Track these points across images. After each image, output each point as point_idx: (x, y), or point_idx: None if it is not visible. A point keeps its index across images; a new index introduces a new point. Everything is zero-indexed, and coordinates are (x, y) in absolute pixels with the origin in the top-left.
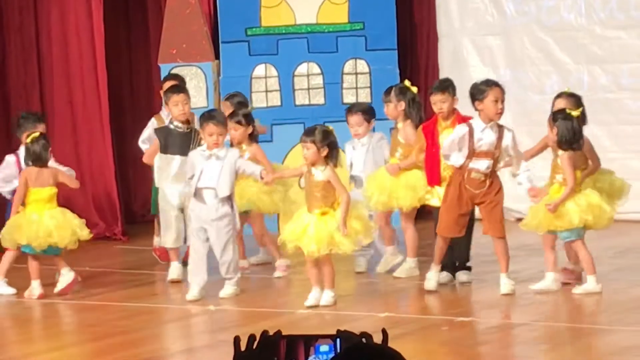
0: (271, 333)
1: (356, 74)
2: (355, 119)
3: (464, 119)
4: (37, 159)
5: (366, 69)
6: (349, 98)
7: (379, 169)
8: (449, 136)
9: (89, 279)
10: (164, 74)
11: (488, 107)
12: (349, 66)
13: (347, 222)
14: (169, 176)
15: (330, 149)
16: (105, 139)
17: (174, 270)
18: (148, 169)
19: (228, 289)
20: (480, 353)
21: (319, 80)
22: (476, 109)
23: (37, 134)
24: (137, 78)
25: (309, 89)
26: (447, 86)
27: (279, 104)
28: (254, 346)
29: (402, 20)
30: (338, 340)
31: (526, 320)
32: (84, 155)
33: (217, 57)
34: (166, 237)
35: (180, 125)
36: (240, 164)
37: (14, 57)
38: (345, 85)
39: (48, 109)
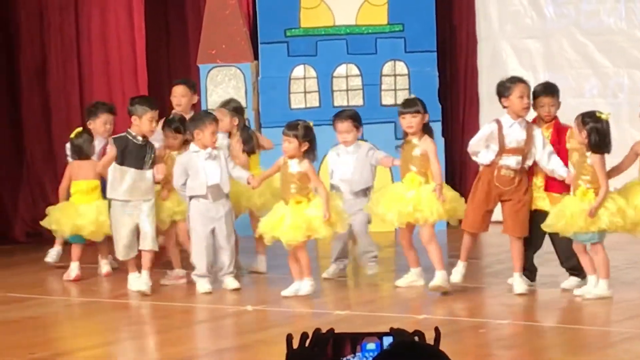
0: (324, 331)
1: (395, 75)
2: (345, 125)
3: (564, 129)
4: (80, 153)
5: (405, 71)
6: (387, 100)
7: (395, 186)
8: (477, 133)
9: (124, 277)
10: (202, 74)
11: (514, 103)
12: (387, 68)
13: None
14: (121, 189)
15: (311, 145)
16: None
17: (136, 280)
18: None
19: (234, 282)
20: (517, 356)
21: (357, 82)
22: (503, 106)
23: (80, 129)
24: (176, 78)
25: (347, 90)
26: (555, 89)
27: (317, 105)
28: (307, 344)
29: (441, 22)
30: (384, 338)
31: (562, 323)
32: None
33: (256, 57)
34: (118, 250)
35: (139, 137)
36: (230, 166)
37: (55, 56)
38: (384, 87)
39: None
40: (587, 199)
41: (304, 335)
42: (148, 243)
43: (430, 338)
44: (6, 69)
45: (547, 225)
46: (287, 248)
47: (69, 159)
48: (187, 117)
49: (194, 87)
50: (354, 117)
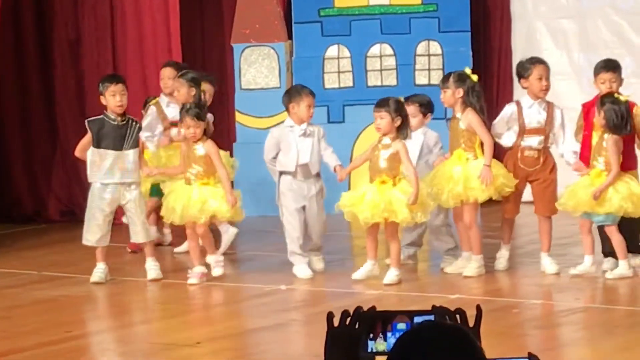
0: (365, 309)
1: (429, 55)
2: (411, 109)
3: (631, 105)
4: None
5: (439, 51)
6: (421, 80)
7: (443, 164)
8: (498, 116)
9: (161, 258)
10: (236, 54)
11: (533, 84)
12: (421, 48)
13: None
14: (101, 172)
15: (403, 120)
16: None
17: (98, 272)
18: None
19: (319, 262)
20: (550, 335)
21: (391, 62)
22: (523, 87)
23: (157, 100)
24: (210, 58)
25: (381, 70)
26: (617, 65)
27: (351, 85)
28: (348, 322)
29: (475, 2)
30: (415, 318)
31: (597, 303)
32: None
33: (289, 37)
34: (89, 234)
35: (114, 117)
36: (323, 145)
37: (88, 36)
38: (417, 66)
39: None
40: (600, 180)
41: (345, 313)
42: (141, 236)
43: (472, 315)
44: (40, 48)
45: (560, 204)
46: (363, 225)
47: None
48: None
49: (182, 68)
50: (423, 103)
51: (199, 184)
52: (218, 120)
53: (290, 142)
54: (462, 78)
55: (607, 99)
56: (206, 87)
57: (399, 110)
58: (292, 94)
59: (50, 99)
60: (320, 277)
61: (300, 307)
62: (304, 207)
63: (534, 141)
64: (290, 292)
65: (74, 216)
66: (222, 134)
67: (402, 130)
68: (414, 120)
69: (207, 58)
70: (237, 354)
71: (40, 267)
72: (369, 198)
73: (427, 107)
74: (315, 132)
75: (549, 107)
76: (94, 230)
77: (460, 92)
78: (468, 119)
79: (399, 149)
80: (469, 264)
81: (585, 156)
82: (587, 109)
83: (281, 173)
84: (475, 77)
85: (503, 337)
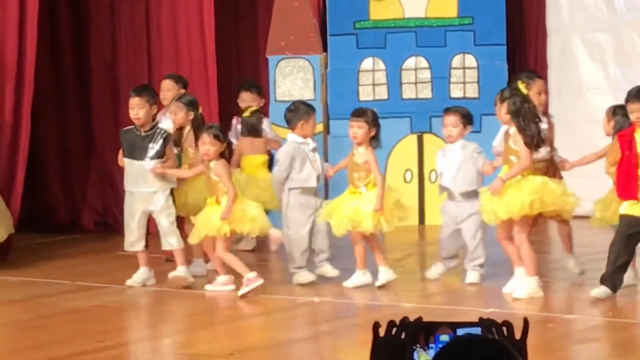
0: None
1: (464, 68)
2: (452, 119)
3: None
4: (252, 130)
5: (474, 64)
6: (456, 92)
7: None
8: (497, 134)
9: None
10: (271, 66)
11: (533, 99)
12: (457, 61)
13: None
14: (128, 180)
15: (377, 131)
16: None
17: (135, 276)
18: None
19: (333, 269)
20: (585, 350)
21: (426, 74)
22: None
23: (254, 108)
24: (245, 69)
25: (416, 82)
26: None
27: (385, 97)
28: (394, 332)
29: (511, 15)
30: (458, 330)
31: (632, 319)
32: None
33: (325, 49)
34: (125, 241)
35: (140, 129)
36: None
37: (124, 45)
38: (452, 79)
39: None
40: None
41: (391, 323)
42: (168, 243)
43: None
44: (77, 58)
45: (596, 220)
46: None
47: (232, 139)
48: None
49: (183, 82)
50: (463, 113)
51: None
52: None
53: (305, 158)
54: (510, 93)
55: (620, 110)
56: (247, 96)
57: (376, 122)
58: (300, 111)
59: (87, 109)
60: (352, 290)
61: (333, 320)
62: (312, 221)
63: (543, 152)
64: (323, 305)
65: (108, 226)
66: None
67: (376, 140)
68: (454, 131)
69: (242, 69)
70: None
71: (74, 277)
72: (340, 210)
73: (467, 119)
74: (316, 147)
75: (547, 117)
76: (127, 236)
77: (505, 108)
78: (516, 138)
79: (369, 157)
80: (521, 284)
81: (633, 185)
82: (628, 139)
83: (290, 189)
84: (525, 90)
85: (538, 351)
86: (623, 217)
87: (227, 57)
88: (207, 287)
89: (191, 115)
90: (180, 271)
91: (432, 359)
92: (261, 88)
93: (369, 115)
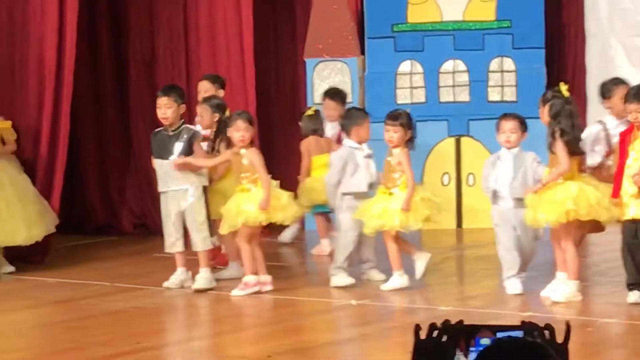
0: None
1: (502, 72)
2: (511, 124)
3: None
4: (316, 130)
5: (512, 67)
6: (494, 96)
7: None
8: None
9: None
10: (309, 68)
11: (617, 104)
12: (495, 64)
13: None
14: (160, 181)
15: (413, 134)
16: None
17: (172, 277)
18: (292, 164)
19: (379, 274)
20: (624, 355)
21: (464, 78)
22: (606, 107)
23: (314, 109)
24: (283, 73)
25: (454, 86)
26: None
27: (423, 100)
28: (434, 334)
29: (550, 19)
30: (498, 334)
31: None
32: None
33: (362, 52)
34: (165, 241)
35: (168, 129)
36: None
37: (162, 50)
38: (491, 83)
39: (194, 102)
40: None
41: (433, 326)
42: (195, 244)
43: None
44: (116, 62)
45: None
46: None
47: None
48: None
49: (220, 82)
50: (522, 119)
51: (239, 191)
52: (289, 134)
53: (358, 163)
54: (551, 94)
55: None
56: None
57: (411, 124)
58: (353, 116)
59: (125, 112)
60: (390, 293)
61: (370, 323)
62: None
63: (595, 158)
64: (360, 308)
65: (146, 228)
66: (294, 149)
67: (411, 142)
68: (513, 137)
69: (280, 73)
70: None
71: (112, 279)
72: (371, 210)
73: (525, 125)
74: (371, 154)
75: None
76: (166, 238)
77: (547, 110)
78: (555, 138)
79: (402, 159)
80: (560, 287)
81: (617, 184)
82: (623, 138)
83: (343, 194)
84: (567, 93)
85: (577, 356)
86: (624, 222)
87: (265, 60)
88: (234, 292)
89: (216, 117)
90: (202, 275)
91: None
92: (345, 96)
93: (404, 118)
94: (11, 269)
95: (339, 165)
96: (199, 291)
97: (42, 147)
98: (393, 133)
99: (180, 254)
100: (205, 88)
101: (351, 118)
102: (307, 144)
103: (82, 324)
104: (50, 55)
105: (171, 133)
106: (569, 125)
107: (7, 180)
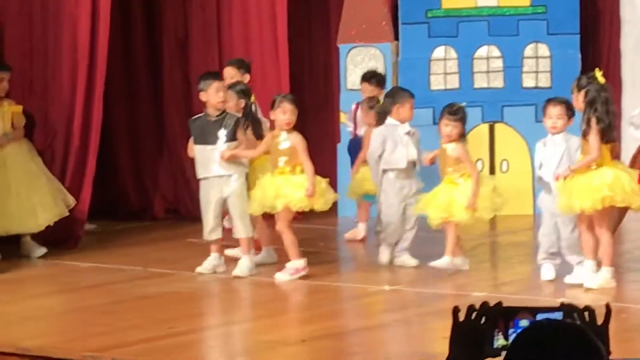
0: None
1: (537, 57)
2: (558, 110)
3: None
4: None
5: (547, 53)
6: (528, 82)
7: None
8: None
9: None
10: (342, 54)
11: None
12: (529, 50)
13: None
14: (202, 167)
15: (465, 128)
16: None
17: (205, 262)
18: (325, 150)
19: (411, 259)
20: None
21: (498, 64)
22: None
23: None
24: (316, 58)
25: (488, 72)
26: None
27: (457, 86)
28: (473, 317)
29: (584, 4)
30: (538, 315)
31: None
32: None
33: (396, 38)
34: (204, 229)
35: (211, 113)
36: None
37: (196, 35)
38: (525, 69)
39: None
40: None
41: (471, 308)
42: (239, 231)
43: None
44: (149, 47)
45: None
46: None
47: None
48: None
49: (245, 66)
50: (568, 104)
51: (278, 174)
52: (322, 120)
53: (397, 140)
54: (586, 81)
55: None
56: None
57: (465, 119)
58: (395, 95)
59: (158, 98)
60: (424, 278)
61: (405, 308)
62: (404, 207)
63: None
64: (394, 293)
65: (179, 214)
66: (327, 135)
67: (463, 137)
68: (559, 122)
69: (313, 58)
70: (340, 353)
71: (145, 264)
72: (437, 200)
73: (572, 111)
74: (416, 134)
75: None
76: (205, 225)
77: (582, 96)
78: (588, 124)
79: (461, 154)
80: (593, 274)
81: None
82: None
83: (384, 171)
84: (602, 80)
85: (612, 342)
86: None
87: (298, 45)
88: (278, 275)
89: (242, 103)
90: (243, 262)
91: (511, 343)
92: (383, 78)
93: (462, 113)
94: (43, 250)
95: (379, 141)
96: (239, 277)
97: (75, 131)
98: (453, 128)
99: (217, 240)
100: (230, 74)
101: (394, 97)
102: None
103: (115, 308)
104: (84, 40)
105: (214, 119)
106: (604, 112)
107: (17, 166)
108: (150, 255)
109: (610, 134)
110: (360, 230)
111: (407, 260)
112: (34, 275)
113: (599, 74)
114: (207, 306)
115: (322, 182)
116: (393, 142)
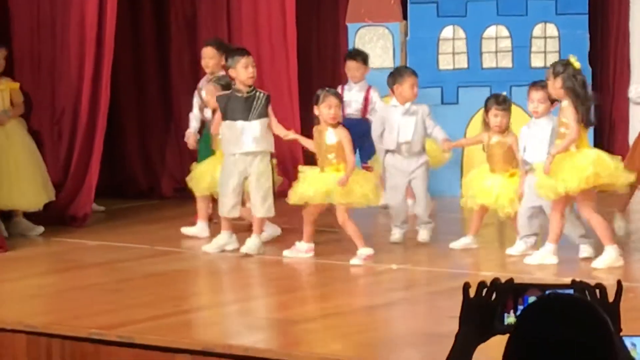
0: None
1: (545, 37)
2: (540, 94)
3: None
4: None
5: (555, 33)
6: (537, 62)
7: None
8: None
9: (282, 238)
10: (351, 33)
11: None
12: (538, 30)
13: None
14: (230, 143)
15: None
16: (292, 98)
17: (223, 238)
18: None
19: (426, 234)
20: None
21: (507, 43)
22: None
23: None
24: (324, 37)
25: (496, 52)
26: None
27: (465, 66)
28: (484, 293)
29: None
30: (548, 292)
31: None
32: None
33: (405, 17)
34: (221, 206)
35: (240, 89)
36: (429, 123)
37: (204, 15)
38: (533, 49)
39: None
40: None
41: (482, 284)
42: (258, 210)
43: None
44: (156, 24)
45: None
46: (502, 217)
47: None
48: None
49: (224, 48)
50: (546, 88)
51: (333, 171)
52: None
53: (393, 121)
54: (561, 67)
55: None
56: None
57: (510, 108)
58: (395, 75)
59: (166, 77)
60: (432, 257)
61: (412, 287)
62: (408, 183)
63: None
64: (402, 272)
65: (187, 193)
66: None
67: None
68: (540, 107)
69: (321, 37)
70: (349, 331)
71: (152, 242)
72: (500, 192)
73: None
74: (420, 111)
75: None
76: (224, 201)
77: (558, 83)
78: (565, 111)
79: (512, 141)
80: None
81: None
82: None
83: (386, 151)
84: (577, 65)
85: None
86: None
87: (307, 24)
88: (285, 252)
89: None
90: (253, 240)
91: (518, 316)
92: (367, 57)
93: (509, 102)
94: (40, 229)
95: (378, 122)
96: (248, 255)
97: (83, 110)
98: (502, 118)
99: (231, 218)
100: (209, 55)
101: (394, 76)
102: None
103: (123, 286)
104: (92, 17)
105: (246, 95)
106: (582, 95)
107: (18, 143)
108: (158, 234)
109: (589, 118)
110: None
111: (422, 234)
112: (37, 254)
113: (573, 59)
114: (213, 284)
115: (373, 180)
116: (390, 123)
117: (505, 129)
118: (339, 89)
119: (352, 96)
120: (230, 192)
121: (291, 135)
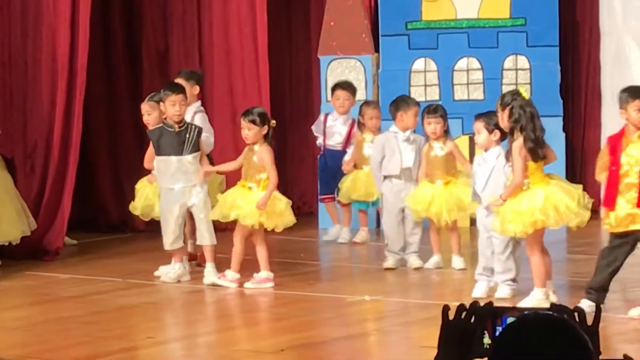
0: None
1: (516, 70)
2: (477, 125)
3: None
4: None
5: (527, 65)
6: None
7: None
8: None
9: (245, 267)
10: (323, 66)
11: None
12: (509, 62)
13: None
14: (165, 177)
15: (448, 125)
16: None
17: (177, 271)
18: (305, 161)
19: (417, 260)
20: (637, 351)
21: (478, 76)
22: None
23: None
24: (297, 69)
25: (468, 84)
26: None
27: (437, 98)
28: (462, 316)
29: (564, 16)
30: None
31: None
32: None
33: (376, 50)
34: (165, 238)
35: (172, 124)
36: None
37: (176, 46)
38: (505, 81)
39: (208, 97)
40: None
41: (461, 307)
42: (206, 238)
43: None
44: (129, 58)
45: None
46: (438, 225)
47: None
48: (190, 109)
49: (196, 77)
50: (487, 118)
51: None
52: (303, 132)
53: (394, 148)
54: (510, 98)
55: None
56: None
57: (446, 116)
58: (400, 103)
59: (138, 109)
60: (405, 289)
61: (385, 318)
62: (403, 210)
63: None
64: (374, 303)
65: (159, 226)
66: (308, 146)
67: (447, 134)
68: (480, 138)
69: (294, 70)
70: None
71: (125, 275)
72: (439, 201)
73: (496, 126)
74: (418, 140)
75: None
76: (167, 235)
77: (507, 114)
78: (514, 146)
79: (451, 148)
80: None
81: (611, 196)
82: (613, 143)
83: (384, 177)
84: (527, 96)
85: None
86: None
87: (279, 56)
88: (247, 284)
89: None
90: (209, 269)
91: (497, 336)
92: (356, 89)
93: (443, 111)
94: None
95: (378, 148)
96: (212, 285)
97: (55, 143)
98: (436, 124)
99: (181, 249)
100: (146, 110)
101: (397, 104)
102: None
103: (94, 318)
104: (63, 51)
105: (178, 129)
106: (531, 130)
107: None
108: (130, 267)
109: (539, 152)
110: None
111: (412, 261)
112: (11, 287)
113: (522, 89)
114: (186, 316)
115: (281, 203)
116: (391, 149)
117: (440, 136)
118: (322, 118)
119: (336, 128)
120: (173, 226)
121: (208, 169)
